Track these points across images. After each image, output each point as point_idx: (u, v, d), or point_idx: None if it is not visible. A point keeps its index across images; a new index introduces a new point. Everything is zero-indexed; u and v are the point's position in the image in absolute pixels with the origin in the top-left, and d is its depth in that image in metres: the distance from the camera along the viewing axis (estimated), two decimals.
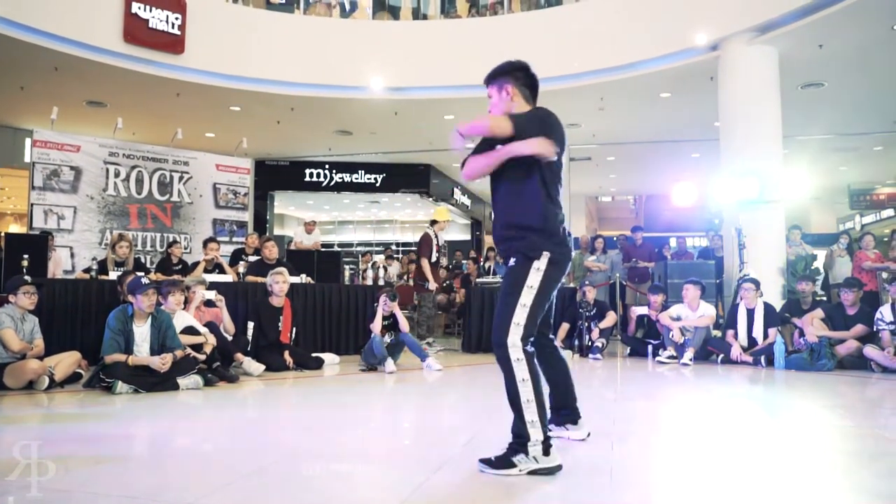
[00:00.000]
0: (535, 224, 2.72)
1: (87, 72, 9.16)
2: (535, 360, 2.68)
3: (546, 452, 2.60)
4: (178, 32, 9.21)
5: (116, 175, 9.91)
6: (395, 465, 2.92)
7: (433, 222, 8.53)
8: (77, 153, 9.59)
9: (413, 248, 16.57)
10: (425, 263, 8.27)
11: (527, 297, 2.66)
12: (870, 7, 7.40)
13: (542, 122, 2.73)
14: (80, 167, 9.55)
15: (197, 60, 9.44)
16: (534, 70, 2.92)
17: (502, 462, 2.61)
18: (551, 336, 3.11)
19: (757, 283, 6.99)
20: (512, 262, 2.76)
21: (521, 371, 2.61)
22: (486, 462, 2.65)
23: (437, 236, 8.39)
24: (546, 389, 2.82)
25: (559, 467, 2.61)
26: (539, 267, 2.69)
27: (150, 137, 11.53)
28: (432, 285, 8.29)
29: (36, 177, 9.24)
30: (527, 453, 2.58)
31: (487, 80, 2.94)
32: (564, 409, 3.13)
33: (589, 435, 3.14)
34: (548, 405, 2.74)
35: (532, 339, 2.68)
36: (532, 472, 2.58)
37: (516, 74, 2.89)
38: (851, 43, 8.31)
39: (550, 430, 2.77)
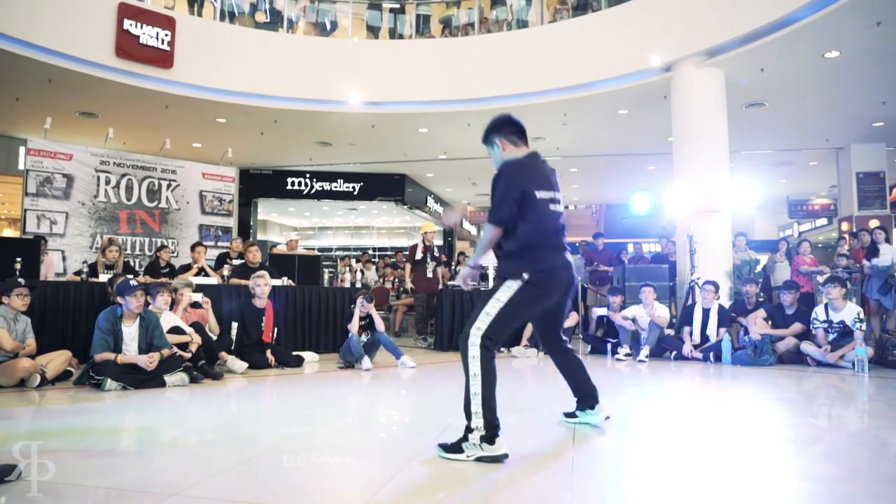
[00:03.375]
0: (510, 249, 2.86)
1: (80, 84, 8.98)
2: (492, 362, 2.74)
3: (491, 441, 2.65)
4: (168, 48, 9.08)
5: (107, 182, 9.76)
6: (371, 456, 2.90)
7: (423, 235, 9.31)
8: (69, 161, 9.43)
9: (388, 253, 16.63)
10: (407, 267, 9.09)
11: (492, 308, 2.78)
12: (804, 36, 7.59)
13: (508, 181, 2.84)
14: (72, 175, 9.40)
15: (185, 75, 9.32)
16: (515, 117, 3.03)
17: (454, 448, 2.70)
18: (564, 339, 3.45)
19: (717, 286, 7.11)
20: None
21: (475, 366, 2.71)
22: (443, 446, 2.74)
23: (424, 243, 9.01)
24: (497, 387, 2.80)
25: (505, 456, 2.64)
26: (510, 285, 2.81)
27: (140, 147, 11.37)
28: (408, 284, 9.08)
29: (29, 184, 9.07)
30: (470, 441, 2.65)
31: (483, 141, 3.08)
32: (582, 396, 3.41)
33: (608, 418, 3.37)
34: (495, 403, 2.72)
35: (491, 342, 2.75)
36: (478, 459, 2.63)
37: (501, 128, 3.01)
38: (789, 68, 8.50)
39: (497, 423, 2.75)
